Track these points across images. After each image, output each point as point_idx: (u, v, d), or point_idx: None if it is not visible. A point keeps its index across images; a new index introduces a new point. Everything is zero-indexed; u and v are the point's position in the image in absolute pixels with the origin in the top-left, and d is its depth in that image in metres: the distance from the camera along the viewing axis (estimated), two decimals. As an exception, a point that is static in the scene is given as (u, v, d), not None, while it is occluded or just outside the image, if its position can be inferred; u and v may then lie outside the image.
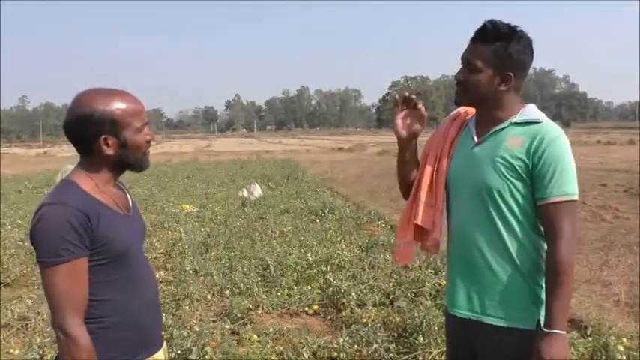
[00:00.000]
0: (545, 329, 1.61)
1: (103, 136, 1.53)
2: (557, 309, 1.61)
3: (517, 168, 1.66)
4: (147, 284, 1.68)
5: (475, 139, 1.78)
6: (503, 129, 1.72)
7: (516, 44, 1.67)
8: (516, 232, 1.69)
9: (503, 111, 1.73)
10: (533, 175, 1.65)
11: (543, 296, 1.68)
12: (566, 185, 1.63)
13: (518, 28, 1.69)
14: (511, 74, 1.69)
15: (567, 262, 1.61)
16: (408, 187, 1.95)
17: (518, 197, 1.68)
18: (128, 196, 1.73)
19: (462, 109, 1.91)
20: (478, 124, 1.80)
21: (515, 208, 1.68)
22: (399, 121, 1.86)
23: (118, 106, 1.54)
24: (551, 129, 1.67)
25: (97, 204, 1.53)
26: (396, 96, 1.85)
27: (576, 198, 1.65)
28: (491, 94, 1.71)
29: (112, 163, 1.59)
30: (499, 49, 1.66)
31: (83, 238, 1.46)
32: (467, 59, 1.72)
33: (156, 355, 1.69)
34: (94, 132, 1.52)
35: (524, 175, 1.66)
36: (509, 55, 1.67)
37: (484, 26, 1.69)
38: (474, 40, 1.71)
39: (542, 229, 1.69)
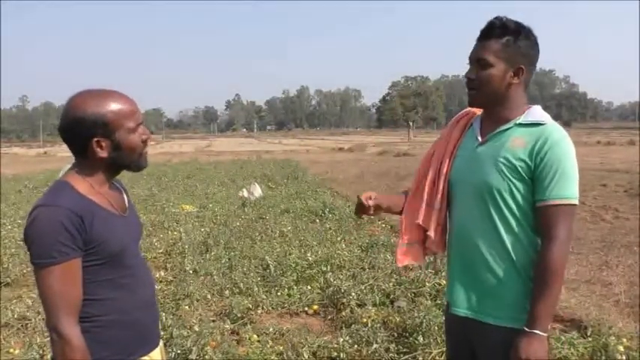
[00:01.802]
0: (526, 328, 1.61)
1: (95, 139, 1.52)
2: (542, 310, 1.61)
3: (519, 169, 1.66)
4: (144, 283, 1.69)
5: (479, 138, 1.78)
6: (507, 129, 1.72)
7: (525, 39, 1.69)
8: (516, 233, 1.69)
9: (510, 110, 1.73)
10: (535, 176, 1.65)
11: None
12: (566, 188, 1.62)
13: (525, 25, 1.71)
14: (522, 67, 1.70)
15: (559, 264, 1.61)
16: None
17: (519, 198, 1.67)
18: (125, 196, 1.72)
19: (466, 111, 1.91)
20: (483, 124, 1.81)
21: (515, 209, 1.68)
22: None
23: (110, 107, 1.53)
24: (555, 131, 1.67)
25: (91, 205, 1.53)
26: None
27: (576, 202, 1.64)
28: (504, 89, 1.71)
29: (106, 164, 1.58)
30: (509, 43, 1.68)
31: (76, 240, 1.46)
32: (478, 56, 1.71)
33: (152, 354, 1.69)
34: (86, 135, 1.51)
35: (525, 176, 1.66)
36: (518, 47, 1.68)
37: (492, 23, 1.70)
38: (482, 38, 1.72)
39: None
